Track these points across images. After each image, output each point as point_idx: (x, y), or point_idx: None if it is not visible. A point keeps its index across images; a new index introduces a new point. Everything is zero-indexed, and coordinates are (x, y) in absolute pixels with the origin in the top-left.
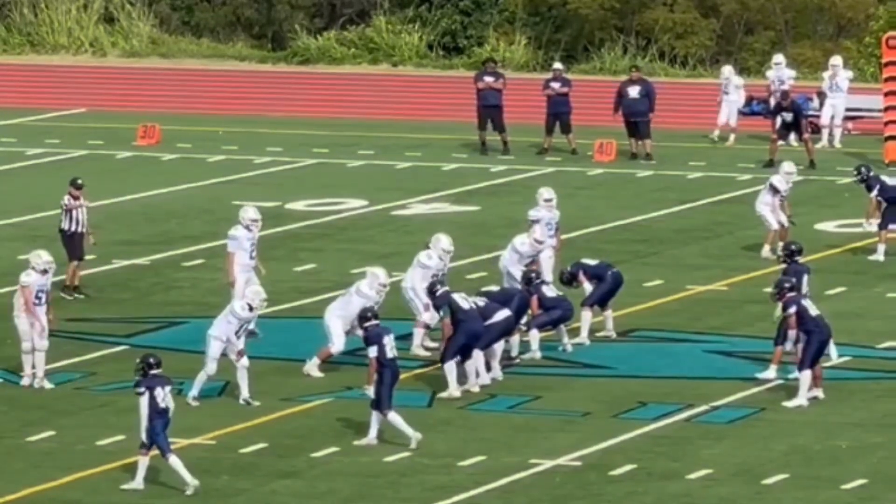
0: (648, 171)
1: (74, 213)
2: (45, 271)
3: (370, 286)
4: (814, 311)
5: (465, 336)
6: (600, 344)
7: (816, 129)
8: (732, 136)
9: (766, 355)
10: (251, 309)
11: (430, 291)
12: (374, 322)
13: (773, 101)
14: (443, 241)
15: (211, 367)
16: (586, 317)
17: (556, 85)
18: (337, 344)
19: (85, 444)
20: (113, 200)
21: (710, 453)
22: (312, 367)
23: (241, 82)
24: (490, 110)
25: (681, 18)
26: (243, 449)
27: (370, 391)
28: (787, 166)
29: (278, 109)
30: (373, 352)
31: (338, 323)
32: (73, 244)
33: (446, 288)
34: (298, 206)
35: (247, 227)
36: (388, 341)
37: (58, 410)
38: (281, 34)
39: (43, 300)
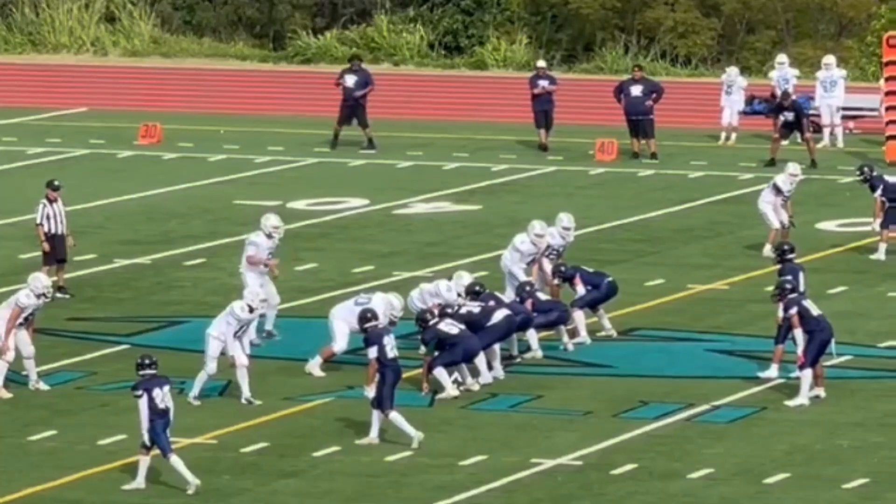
0: (649, 170)
1: (52, 215)
2: (42, 295)
3: (384, 313)
4: (815, 310)
5: (461, 355)
6: (601, 343)
7: (818, 129)
8: (734, 136)
9: (767, 354)
10: (251, 310)
11: (421, 320)
12: (374, 323)
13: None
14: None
15: (211, 366)
16: (579, 317)
17: (544, 83)
18: (340, 343)
19: (86, 444)
20: (114, 200)
21: (711, 452)
22: (314, 367)
23: (242, 82)
24: (351, 106)
25: (682, 18)
26: (244, 448)
27: (369, 392)
28: (793, 167)
29: (279, 109)
30: (373, 352)
31: (342, 324)
32: (52, 247)
33: (436, 319)
34: (299, 205)
35: (268, 235)
36: (389, 341)
37: (59, 410)
38: (282, 33)
39: (30, 321)
